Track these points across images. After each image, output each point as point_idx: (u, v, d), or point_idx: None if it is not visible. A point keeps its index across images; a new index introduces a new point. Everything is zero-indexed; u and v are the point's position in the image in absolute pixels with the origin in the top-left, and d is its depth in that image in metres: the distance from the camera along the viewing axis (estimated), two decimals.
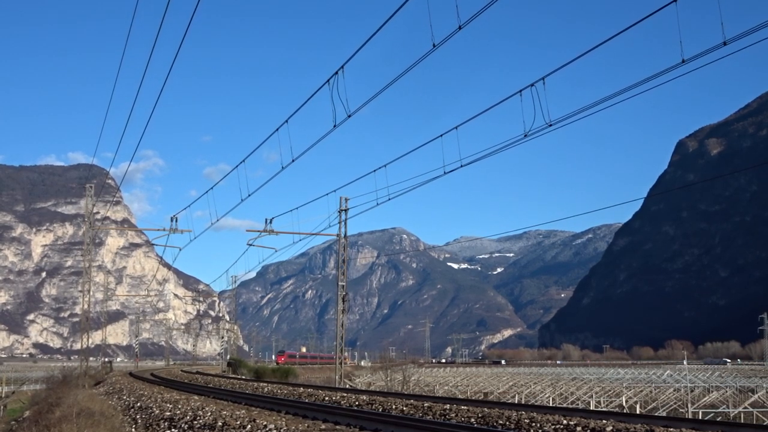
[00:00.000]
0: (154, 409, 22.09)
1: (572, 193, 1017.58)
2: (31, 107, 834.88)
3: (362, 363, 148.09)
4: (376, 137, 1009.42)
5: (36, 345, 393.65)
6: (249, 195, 31.09)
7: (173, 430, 18.31)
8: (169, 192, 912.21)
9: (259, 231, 43.69)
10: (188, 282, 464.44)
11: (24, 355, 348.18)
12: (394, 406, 21.34)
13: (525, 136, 18.46)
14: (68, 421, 19.84)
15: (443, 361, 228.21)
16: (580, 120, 18.41)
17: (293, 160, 24.90)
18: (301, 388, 34.09)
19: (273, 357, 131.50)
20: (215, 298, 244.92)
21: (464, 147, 22.47)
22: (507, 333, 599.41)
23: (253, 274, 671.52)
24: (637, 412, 38.04)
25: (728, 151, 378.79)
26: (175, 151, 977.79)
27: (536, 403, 39.65)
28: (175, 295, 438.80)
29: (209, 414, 19.05)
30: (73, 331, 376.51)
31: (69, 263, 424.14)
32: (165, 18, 17.16)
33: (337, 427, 15.88)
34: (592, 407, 40.61)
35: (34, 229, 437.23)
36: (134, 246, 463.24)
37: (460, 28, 15.09)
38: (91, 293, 59.17)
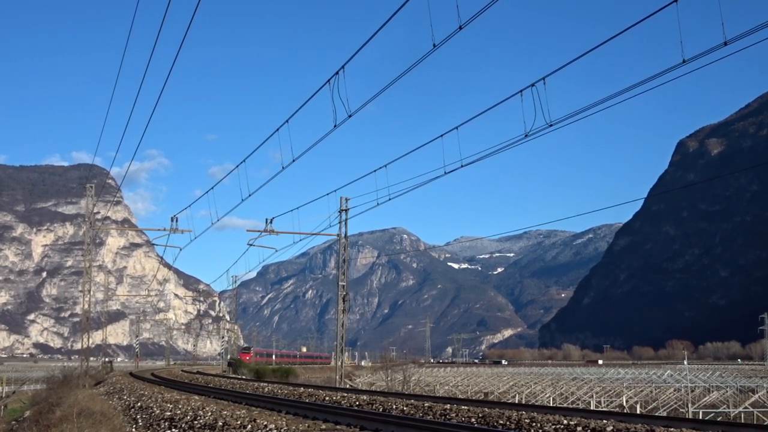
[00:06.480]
0: (155, 409, 22.10)
1: (572, 193, 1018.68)
2: (33, 107, 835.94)
3: (362, 363, 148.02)
4: (377, 137, 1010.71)
5: (36, 345, 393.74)
6: (249, 195, 31.09)
7: (174, 430, 18.32)
8: (174, 191, 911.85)
9: (259, 231, 43.73)
10: (189, 282, 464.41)
11: (24, 355, 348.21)
12: (394, 406, 21.34)
13: (525, 136, 18.45)
14: (69, 421, 19.86)
15: (440, 361, 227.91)
16: (580, 120, 18.39)
17: (294, 160, 24.92)
18: (302, 388, 34.08)
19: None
20: (216, 298, 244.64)
21: (464, 147, 22.47)
22: (507, 333, 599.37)
23: (253, 274, 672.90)
24: (638, 412, 38.03)
25: (729, 151, 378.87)
26: (180, 151, 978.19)
27: (536, 403, 39.64)
28: (176, 295, 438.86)
29: (210, 414, 19.05)
30: (73, 331, 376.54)
31: (69, 263, 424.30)
32: (166, 17, 17.18)
33: (338, 427, 15.89)
34: (592, 407, 40.61)
35: (34, 229, 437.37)
36: (135, 246, 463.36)
37: (460, 28, 15.09)
38: (92, 293, 59.15)
